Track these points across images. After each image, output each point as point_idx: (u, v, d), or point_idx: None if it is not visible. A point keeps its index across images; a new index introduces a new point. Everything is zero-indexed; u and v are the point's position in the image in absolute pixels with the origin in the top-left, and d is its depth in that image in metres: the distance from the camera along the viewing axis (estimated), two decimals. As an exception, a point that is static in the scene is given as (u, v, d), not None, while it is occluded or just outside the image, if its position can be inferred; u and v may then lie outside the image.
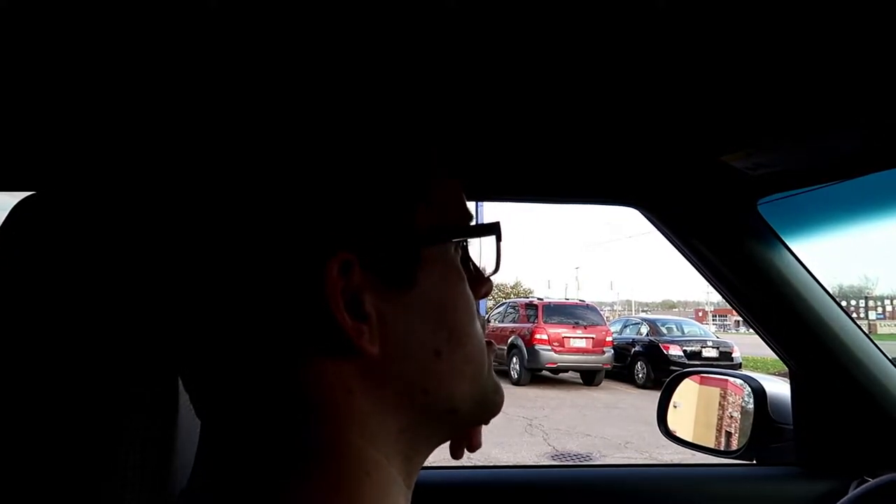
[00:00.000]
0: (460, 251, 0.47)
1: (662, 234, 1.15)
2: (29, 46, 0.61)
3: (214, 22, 0.57)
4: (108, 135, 0.81)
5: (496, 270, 0.51)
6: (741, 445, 1.36)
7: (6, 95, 0.73)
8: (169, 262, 0.42)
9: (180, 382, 0.53)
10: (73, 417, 0.49)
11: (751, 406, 1.38)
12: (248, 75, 0.67)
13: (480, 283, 0.49)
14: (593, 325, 12.15)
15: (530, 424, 8.01)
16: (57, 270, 0.52)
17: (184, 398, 0.55)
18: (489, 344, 0.49)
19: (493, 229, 0.48)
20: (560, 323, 12.00)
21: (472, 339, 0.45)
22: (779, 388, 1.36)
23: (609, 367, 12.17)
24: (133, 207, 0.51)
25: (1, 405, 0.49)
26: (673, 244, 1.15)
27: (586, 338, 11.84)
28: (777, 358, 1.23)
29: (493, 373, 0.49)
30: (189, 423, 0.57)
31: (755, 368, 14.06)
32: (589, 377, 12.26)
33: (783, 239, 1.12)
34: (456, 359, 0.44)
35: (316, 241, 0.39)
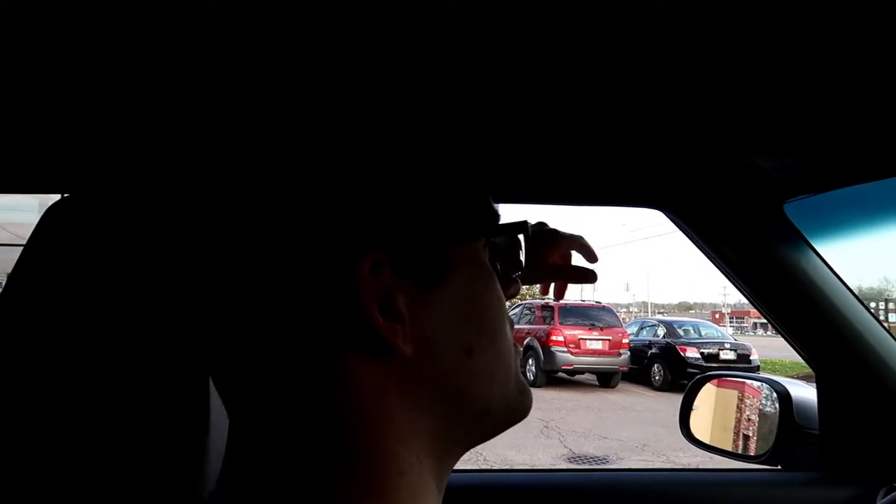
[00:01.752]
0: (488, 251, 0.46)
1: (686, 235, 1.14)
2: (59, 51, 0.62)
3: (241, 25, 0.58)
4: (138, 138, 0.81)
5: (523, 270, 0.51)
6: (764, 450, 1.34)
7: (37, 100, 0.74)
8: (201, 264, 0.42)
9: (211, 383, 0.53)
10: (106, 417, 0.50)
11: (769, 409, 1.37)
12: (280, 79, 0.67)
13: (508, 283, 0.49)
14: (609, 326, 12.09)
15: (546, 426, 7.98)
16: (89, 272, 0.52)
17: (215, 399, 0.56)
18: (514, 347, 0.49)
19: (521, 228, 0.48)
20: (576, 324, 11.95)
21: (504, 338, 0.45)
22: (803, 391, 1.34)
23: (625, 369, 12.09)
24: (163, 209, 0.51)
25: (36, 405, 0.49)
26: (697, 246, 1.14)
27: (602, 339, 11.78)
28: (796, 361, 1.22)
29: (521, 375, 0.49)
30: (220, 423, 0.58)
31: (773, 371, 13.92)
32: (605, 379, 12.20)
33: (809, 241, 1.11)
34: (488, 358, 0.44)
35: (347, 241, 0.39)
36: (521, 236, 0.49)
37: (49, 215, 0.55)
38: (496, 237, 0.47)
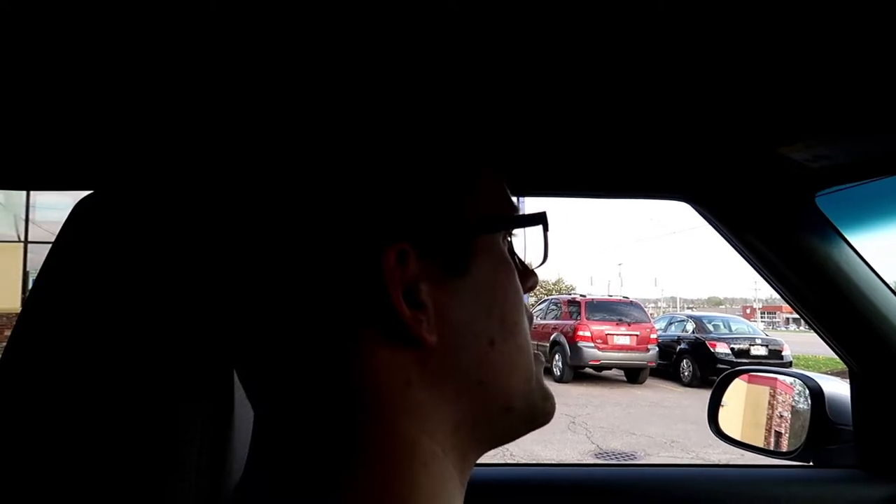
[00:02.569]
0: (507, 243, 0.47)
1: (715, 229, 1.12)
2: (80, 50, 0.63)
3: (267, 24, 0.58)
4: (164, 134, 0.83)
5: (544, 261, 0.51)
6: (795, 446, 1.31)
7: (60, 97, 0.75)
8: (227, 259, 0.42)
9: (235, 374, 0.54)
10: (132, 407, 0.51)
11: (802, 405, 1.34)
12: (302, 77, 0.67)
13: (526, 276, 0.49)
14: (637, 322, 11.97)
15: (573, 422, 7.94)
16: (117, 266, 0.53)
17: (239, 389, 0.56)
18: (535, 356, 0.49)
19: (540, 219, 0.47)
20: (603, 320, 11.86)
21: (523, 330, 0.46)
22: (835, 387, 1.31)
23: (654, 364, 11.97)
24: (190, 205, 0.52)
25: (63, 398, 0.50)
26: (726, 239, 1.12)
27: (630, 335, 11.67)
28: (830, 357, 1.19)
29: (544, 381, 0.49)
30: (244, 412, 0.58)
31: (806, 367, 13.65)
32: (633, 375, 12.09)
33: (843, 233, 1.08)
34: (509, 349, 0.44)
35: (373, 231, 0.40)
36: (540, 227, 0.49)
37: (77, 211, 0.56)
38: (516, 229, 0.47)
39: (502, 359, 0.43)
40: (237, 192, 0.42)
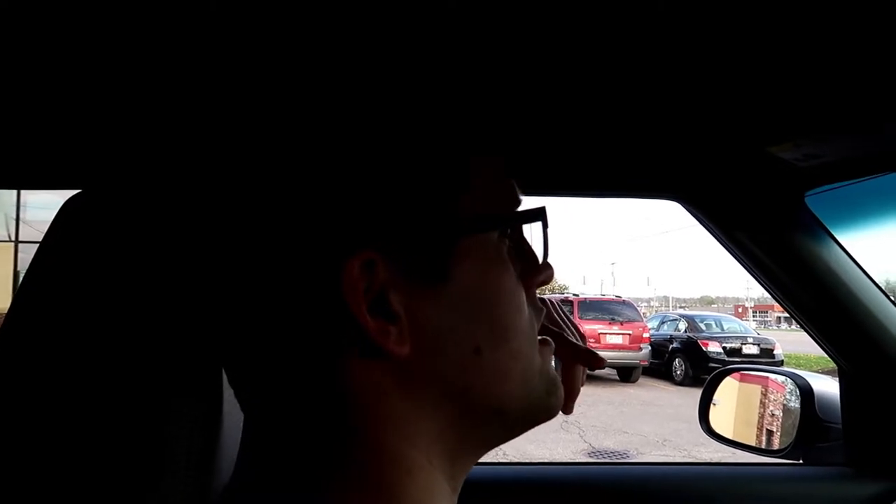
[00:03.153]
0: (507, 241, 0.44)
1: (705, 228, 1.12)
2: (73, 47, 0.62)
3: (246, 26, 0.58)
4: (150, 135, 0.82)
5: (544, 260, 0.48)
6: (786, 444, 1.32)
7: (50, 97, 0.75)
8: (207, 262, 0.42)
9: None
10: (121, 408, 0.50)
11: (793, 404, 1.35)
12: (269, 74, 0.67)
13: (538, 270, 0.46)
14: (630, 321, 12.02)
15: (566, 421, 7.94)
16: (104, 267, 0.53)
17: (228, 390, 0.56)
18: (543, 341, 0.46)
19: (539, 215, 0.45)
20: (596, 319, 11.89)
21: (519, 335, 0.43)
22: (825, 385, 1.31)
23: (646, 363, 12.02)
24: (173, 206, 0.51)
25: (50, 398, 0.50)
26: (716, 238, 1.12)
27: (623, 334, 11.71)
28: (821, 356, 1.20)
29: (553, 371, 0.46)
30: (233, 412, 0.58)
31: (798, 366, 13.72)
32: (626, 374, 12.12)
33: (832, 232, 1.08)
34: (500, 356, 0.42)
35: (333, 241, 0.38)
36: (539, 224, 0.46)
37: (65, 210, 0.55)
38: (508, 228, 0.44)
39: (492, 366, 0.41)
40: (220, 194, 0.41)
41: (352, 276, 0.37)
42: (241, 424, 0.45)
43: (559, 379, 0.47)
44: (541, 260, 0.48)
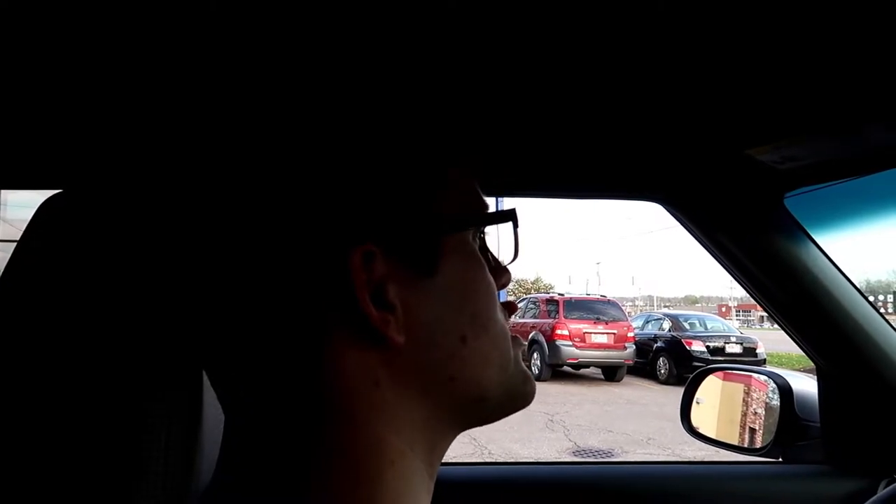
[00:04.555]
0: (478, 241, 0.47)
1: (686, 229, 1.13)
2: (54, 48, 0.62)
3: (236, 24, 0.58)
4: (132, 134, 0.82)
5: (515, 258, 0.52)
6: (766, 443, 1.34)
7: (32, 96, 0.74)
8: (194, 259, 0.42)
9: (205, 375, 0.53)
10: (100, 409, 0.50)
11: (775, 403, 1.36)
12: (268, 73, 0.67)
13: (499, 273, 0.49)
14: (615, 320, 12.07)
15: (551, 420, 7.98)
16: (83, 266, 0.53)
17: (207, 392, 0.56)
18: (514, 338, 0.49)
19: (510, 216, 0.48)
20: (581, 318, 11.94)
21: (497, 324, 0.46)
22: (805, 384, 1.33)
23: (631, 362, 12.08)
24: (156, 205, 0.51)
25: (27, 397, 0.50)
26: (697, 239, 1.13)
27: (608, 333, 11.77)
28: (803, 355, 1.21)
29: (523, 364, 0.49)
30: (212, 415, 0.58)
31: (780, 364, 13.89)
32: (610, 373, 12.19)
33: (810, 233, 1.10)
34: (481, 344, 0.44)
35: (338, 233, 0.40)
36: (510, 224, 0.49)
37: (43, 210, 0.55)
38: (485, 226, 0.48)
39: (474, 353, 0.44)
40: (203, 196, 0.42)
41: (356, 267, 0.39)
42: (222, 426, 0.45)
43: (530, 372, 0.50)
44: (514, 255, 0.52)
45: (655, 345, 12.81)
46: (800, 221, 1.10)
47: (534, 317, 12.80)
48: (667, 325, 13.36)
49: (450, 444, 0.47)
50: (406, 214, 0.42)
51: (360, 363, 0.40)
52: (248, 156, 0.42)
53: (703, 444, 1.47)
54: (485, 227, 0.48)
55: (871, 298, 1.14)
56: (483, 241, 0.49)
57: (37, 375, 0.50)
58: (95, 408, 0.50)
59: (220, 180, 0.42)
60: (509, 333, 0.48)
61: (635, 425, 7.80)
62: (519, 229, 0.50)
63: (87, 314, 0.51)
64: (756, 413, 1.45)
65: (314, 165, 0.41)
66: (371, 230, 0.40)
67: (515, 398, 0.48)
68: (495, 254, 0.51)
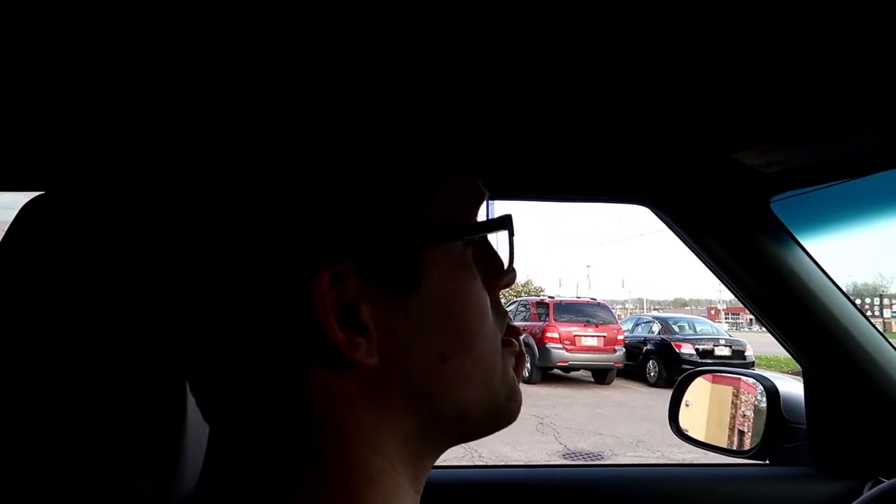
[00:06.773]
0: (472, 248, 0.44)
1: (674, 232, 1.14)
2: (36, 47, 0.61)
3: (220, 24, 0.57)
4: (115, 136, 0.81)
5: (510, 266, 0.48)
6: (754, 445, 1.35)
7: (14, 96, 0.73)
8: (173, 262, 0.41)
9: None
10: (82, 417, 0.49)
11: (764, 405, 1.37)
12: (244, 76, 0.67)
13: (502, 274, 0.47)
14: (605, 323, 12.11)
15: (542, 423, 7.99)
16: (65, 270, 0.52)
17: (192, 400, 0.55)
18: (507, 342, 0.47)
19: (504, 223, 0.45)
20: (571, 321, 11.96)
21: (483, 341, 0.44)
22: (792, 387, 1.34)
23: (621, 365, 12.12)
24: (138, 210, 0.51)
25: (9, 403, 0.49)
26: (685, 243, 1.14)
27: (598, 336, 11.80)
28: (791, 356, 1.22)
29: (512, 376, 0.47)
30: (197, 426, 0.58)
31: (769, 367, 13.96)
32: (600, 376, 12.21)
33: (796, 237, 1.11)
34: (464, 362, 0.42)
35: (304, 254, 0.38)
36: (504, 232, 0.46)
37: (24, 213, 0.54)
38: (475, 236, 0.45)
39: (455, 372, 0.42)
40: (180, 202, 0.41)
41: (321, 290, 0.37)
42: (207, 429, 0.44)
43: (518, 385, 0.48)
44: (508, 264, 0.48)
45: (645, 347, 12.85)
46: (786, 225, 1.10)
47: (524, 320, 12.80)
48: (656, 327, 13.41)
49: (436, 459, 0.45)
50: (383, 230, 0.39)
51: (332, 385, 0.39)
52: (221, 164, 0.40)
53: (691, 447, 1.48)
54: (475, 236, 0.44)
55: (858, 301, 1.15)
56: (482, 245, 0.46)
57: (20, 377, 0.49)
58: (79, 410, 0.49)
59: (194, 189, 0.40)
60: (500, 345, 0.45)
61: (625, 428, 7.82)
62: (514, 237, 0.47)
63: (70, 316, 0.51)
64: (745, 415, 1.46)
65: (282, 185, 0.38)
66: (341, 250, 0.38)
67: (498, 416, 0.45)
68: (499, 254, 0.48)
